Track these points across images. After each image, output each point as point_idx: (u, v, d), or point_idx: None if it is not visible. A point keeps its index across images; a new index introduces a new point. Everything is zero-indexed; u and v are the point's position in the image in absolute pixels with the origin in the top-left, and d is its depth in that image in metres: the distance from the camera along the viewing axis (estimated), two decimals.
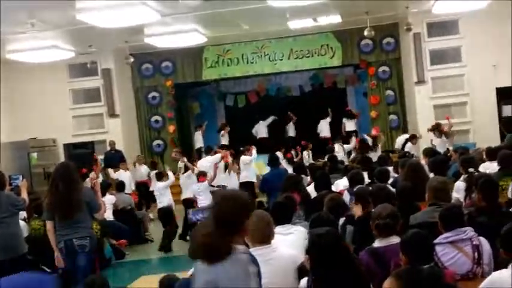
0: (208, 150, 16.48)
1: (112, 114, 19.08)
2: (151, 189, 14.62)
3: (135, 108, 20.42)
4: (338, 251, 3.99)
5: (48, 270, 10.30)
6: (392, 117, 19.45)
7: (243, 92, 22.60)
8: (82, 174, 12.68)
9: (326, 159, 12.81)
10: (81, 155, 17.72)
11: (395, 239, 4.59)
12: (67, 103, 19.15)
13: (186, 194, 12.84)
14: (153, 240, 13.09)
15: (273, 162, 11.78)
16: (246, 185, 13.57)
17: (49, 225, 7.55)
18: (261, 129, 21.76)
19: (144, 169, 16.94)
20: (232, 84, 22.44)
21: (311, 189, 8.54)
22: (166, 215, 12.21)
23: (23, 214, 10.19)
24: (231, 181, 13.68)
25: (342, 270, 3.91)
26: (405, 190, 6.18)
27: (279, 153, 14.84)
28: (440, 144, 14.10)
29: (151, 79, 20.25)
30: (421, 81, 18.00)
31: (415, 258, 3.92)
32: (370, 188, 6.47)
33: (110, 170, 16.27)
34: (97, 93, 19.22)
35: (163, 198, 12.31)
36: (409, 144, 15.60)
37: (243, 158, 14.42)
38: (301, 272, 4.70)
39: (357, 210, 5.91)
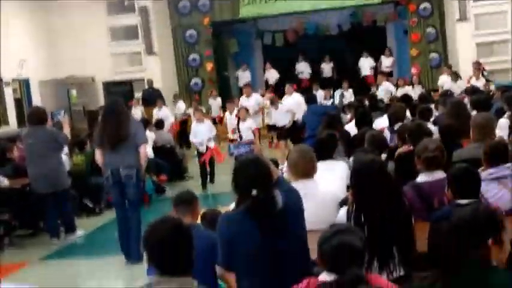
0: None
1: (150, 53, 19.10)
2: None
3: (173, 47, 20.32)
4: (383, 179, 3.87)
5: (90, 205, 10.59)
6: (433, 55, 19.06)
7: (281, 30, 22.21)
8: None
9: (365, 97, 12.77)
10: (119, 92, 17.87)
11: (440, 175, 4.52)
12: (105, 40, 19.17)
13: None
14: (193, 177, 13.24)
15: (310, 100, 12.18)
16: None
17: (97, 152, 7.70)
18: (302, 68, 21.68)
19: (182, 107, 17.08)
20: (270, 22, 22.06)
21: (351, 127, 8.49)
22: None
23: (65, 150, 10.35)
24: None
25: (386, 200, 3.79)
26: (449, 128, 6.06)
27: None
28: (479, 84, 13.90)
29: (188, 17, 20.05)
30: (463, 18, 17.55)
31: (463, 192, 3.84)
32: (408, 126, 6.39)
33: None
34: (135, 31, 19.19)
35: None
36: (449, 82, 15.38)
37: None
38: (342, 206, 4.70)
39: (402, 147, 5.87)
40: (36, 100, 16.92)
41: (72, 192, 9.63)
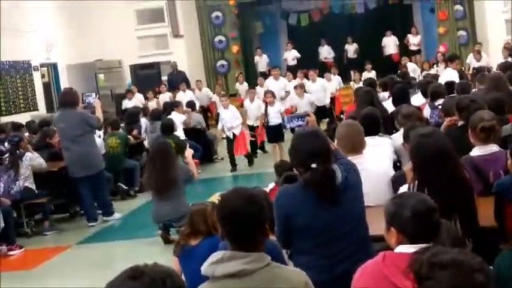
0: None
1: (176, 35, 19.03)
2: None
3: (199, 29, 20.22)
4: (445, 152, 3.70)
5: (125, 187, 10.58)
6: (461, 33, 18.84)
7: (306, 10, 21.92)
8: None
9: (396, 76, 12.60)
10: (147, 75, 17.89)
11: (494, 148, 4.39)
12: (132, 24, 19.09)
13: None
14: (223, 158, 13.18)
15: None
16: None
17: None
18: (324, 53, 21.39)
19: (206, 93, 17.08)
20: (295, 2, 21.80)
21: (388, 104, 8.34)
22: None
23: (99, 132, 10.33)
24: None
25: (449, 176, 3.64)
26: (497, 101, 5.88)
27: None
28: None
29: None
30: None
31: None
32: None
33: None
34: (161, 13, 19.12)
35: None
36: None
37: None
38: (394, 184, 4.61)
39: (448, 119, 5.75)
40: (65, 85, 16.90)
41: (107, 174, 9.62)
